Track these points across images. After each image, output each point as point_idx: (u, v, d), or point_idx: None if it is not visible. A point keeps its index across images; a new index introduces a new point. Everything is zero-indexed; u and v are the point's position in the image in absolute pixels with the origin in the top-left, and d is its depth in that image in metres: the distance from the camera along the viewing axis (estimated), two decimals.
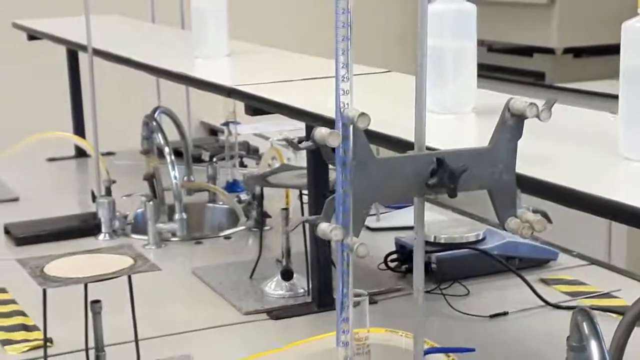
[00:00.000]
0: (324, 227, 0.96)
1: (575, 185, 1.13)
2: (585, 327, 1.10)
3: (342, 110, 0.93)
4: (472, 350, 1.52)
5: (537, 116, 0.99)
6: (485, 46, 4.52)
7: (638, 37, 1.31)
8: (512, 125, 0.99)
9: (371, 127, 0.95)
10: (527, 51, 4.29)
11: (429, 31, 1.46)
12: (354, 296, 1.17)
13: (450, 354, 1.35)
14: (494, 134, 1.01)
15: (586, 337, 1.10)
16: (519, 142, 1.02)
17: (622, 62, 1.32)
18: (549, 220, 1.06)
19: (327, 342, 1.42)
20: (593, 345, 1.08)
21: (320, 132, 0.99)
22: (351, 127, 0.92)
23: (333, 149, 0.93)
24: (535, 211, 1.02)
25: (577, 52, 4.15)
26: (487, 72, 3.85)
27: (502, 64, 4.33)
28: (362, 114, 0.90)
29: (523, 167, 1.05)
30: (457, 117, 1.57)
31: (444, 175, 0.95)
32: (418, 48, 1.01)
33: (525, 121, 1.03)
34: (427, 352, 1.15)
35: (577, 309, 1.15)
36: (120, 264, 1.49)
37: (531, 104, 0.99)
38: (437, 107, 1.57)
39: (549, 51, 4.11)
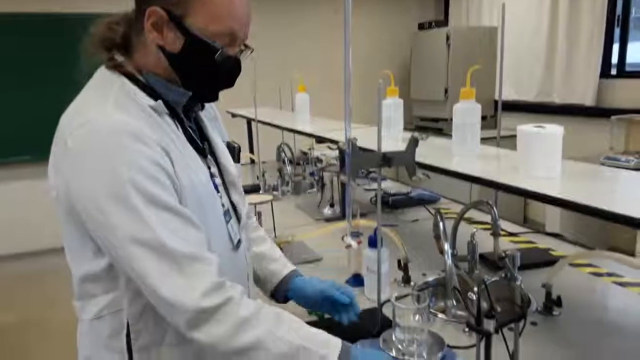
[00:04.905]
0: (342, 177, 1.28)
1: (436, 163, 1.26)
2: (439, 219, 1.23)
3: (348, 135, 1.11)
4: (396, 225, 1.72)
5: (421, 139, 1.13)
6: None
7: (458, 109, 1.38)
8: (413, 142, 1.11)
9: (361, 144, 1.07)
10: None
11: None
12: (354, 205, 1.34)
13: (391, 228, 1.50)
14: (407, 145, 1.11)
15: (438, 225, 1.22)
16: (417, 150, 1.11)
17: (454, 121, 1.39)
18: (428, 177, 1.20)
19: (338, 226, 1.53)
20: (441, 228, 1.21)
21: (341, 144, 1.13)
22: (350, 142, 1.06)
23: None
24: (423, 173, 1.16)
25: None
26: None
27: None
28: (355, 138, 1.06)
29: (418, 158, 1.11)
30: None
31: (386, 160, 1.08)
32: (378, 117, 1.04)
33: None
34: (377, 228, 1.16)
35: (435, 211, 1.27)
36: (268, 198, 1.68)
37: (420, 134, 1.14)
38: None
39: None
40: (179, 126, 0.89)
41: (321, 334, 0.84)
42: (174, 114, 0.89)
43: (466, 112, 1.34)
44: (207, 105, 1.02)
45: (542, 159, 1.06)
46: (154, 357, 0.87)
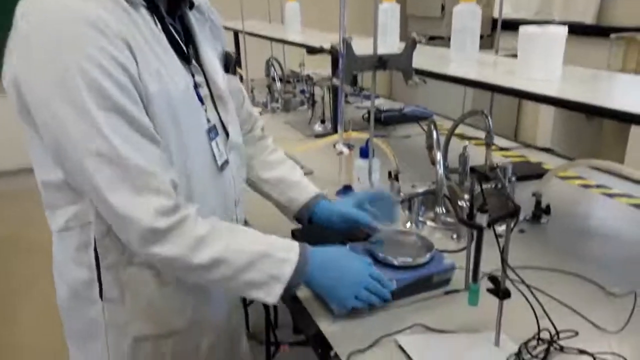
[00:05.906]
0: (334, 80, 1.10)
1: (435, 69, 1.23)
2: (432, 129, 1.21)
3: (342, 35, 1.06)
4: (386, 135, 1.69)
5: (419, 42, 1.11)
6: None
7: (458, 12, 1.33)
8: (410, 45, 1.09)
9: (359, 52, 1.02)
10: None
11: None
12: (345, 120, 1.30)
13: (383, 139, 1.45)
14: (404, 48, 1.09)
15: (431, 135, 1.21)
16: (414, 58, 1.10)
17: (453, 25, 1.35)
18: (424, 82, 1.15)
19: (330, 139, 1.52)
20: (434, 138, 1.20)
21: (334, 44, 1.13)
22: (345, 41, 1.04)
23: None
24: (419, 78, 1.14)
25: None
26: None
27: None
28: (350, 37, 1.04)
29: (414, 64, 1.10)
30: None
31: (381, 62, 1.07)
32: (374, 23, 1.06)
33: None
34: (368, 139, 1.20)
35: (429, 120, 1.25)
36: (256, 109, 1.69)
37: (418, 35, 1.11)
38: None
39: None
40: (158, 24, 0.80)
41: (278, 239, 0.84)
42: (153, 9, 0.81)
43: (466, 15, 1.28)
44: (204, 7, 0.93)
45: (543, 59, 1.02)
46: (123, 277, 0.84)
